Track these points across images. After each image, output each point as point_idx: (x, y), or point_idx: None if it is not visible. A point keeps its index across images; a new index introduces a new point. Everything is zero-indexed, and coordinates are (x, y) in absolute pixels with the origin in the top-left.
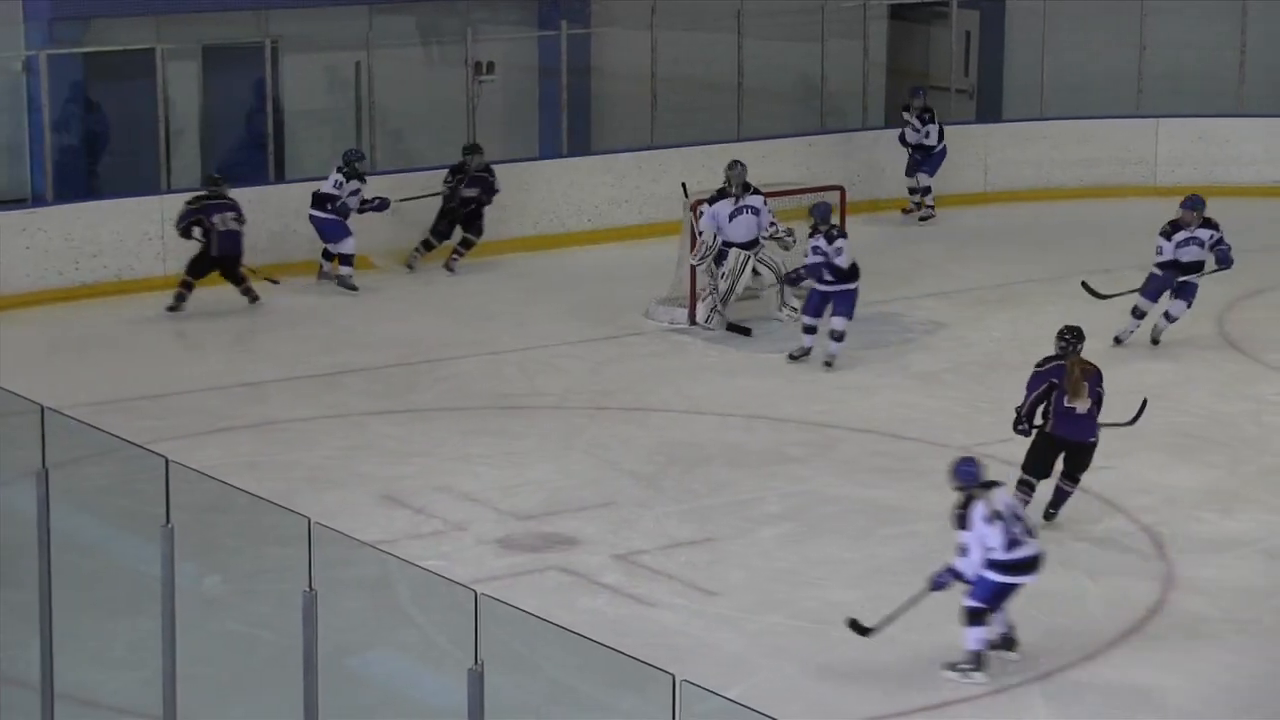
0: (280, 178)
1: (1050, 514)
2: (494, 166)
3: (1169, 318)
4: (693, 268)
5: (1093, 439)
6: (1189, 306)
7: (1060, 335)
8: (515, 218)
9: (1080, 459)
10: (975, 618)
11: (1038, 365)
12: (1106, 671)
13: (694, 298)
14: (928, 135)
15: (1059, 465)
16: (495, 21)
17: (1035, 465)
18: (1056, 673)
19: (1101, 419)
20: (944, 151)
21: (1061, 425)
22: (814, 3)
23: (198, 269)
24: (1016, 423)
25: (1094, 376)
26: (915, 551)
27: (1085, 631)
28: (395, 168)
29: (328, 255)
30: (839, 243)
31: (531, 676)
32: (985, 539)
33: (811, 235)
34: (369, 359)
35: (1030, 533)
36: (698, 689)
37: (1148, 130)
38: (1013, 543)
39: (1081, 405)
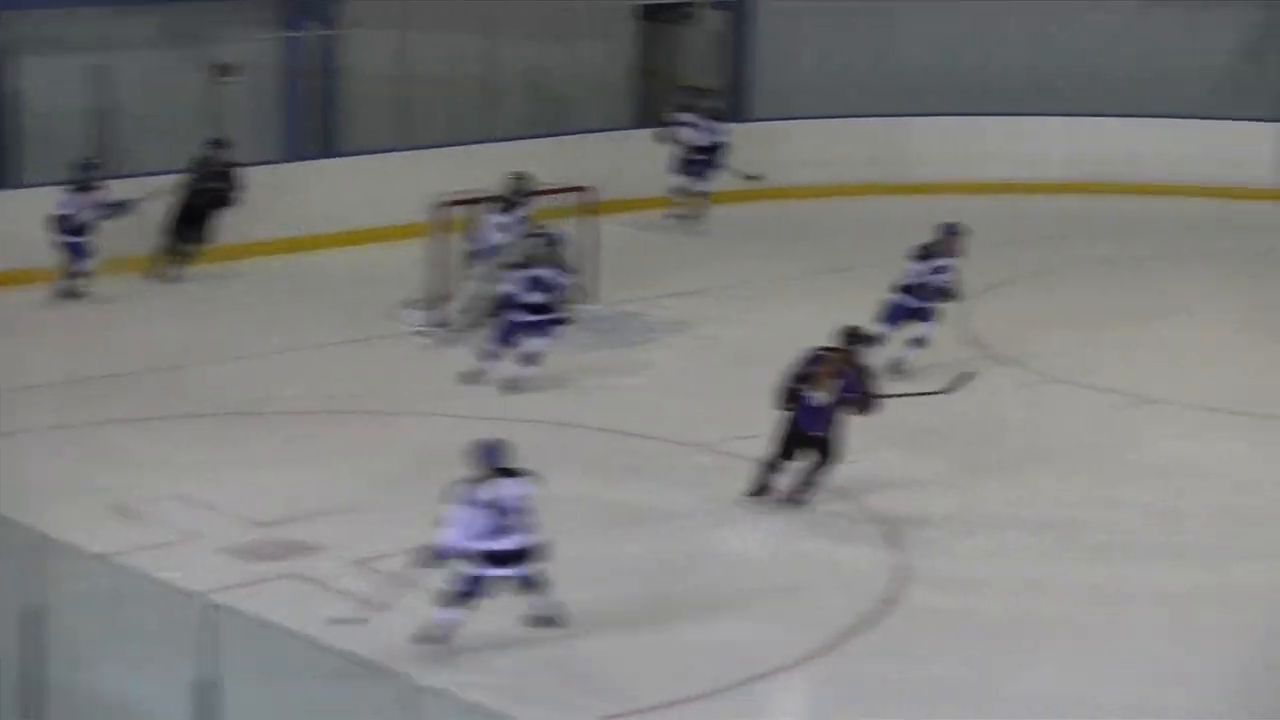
0: (12, 183)
1: (796, 498)
2: (241, 169)
3: (918, 343)
4: (445, 271)
5: (819, 433)
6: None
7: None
8: (263, 221)
9: (811, 448)
10: (447, 600)
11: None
12: (843, 664)
13: (446, 301)
14: (726, 134)
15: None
16: (241, 23)
17: (776, 449)
18: (792, 666)
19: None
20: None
21: (801, 414)
22: (564, 4)
23: None
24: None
25: (850, 375)
26: (657, 550)
27: (821, 624)
28: (136, 171)
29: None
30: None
31: (269, 684)
32: (471, 521)
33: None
34: (109, 367)
35: (527, 528)
36: (436, 692)
37: (897, 128)
38: (499, 531)
39: (819, 398)
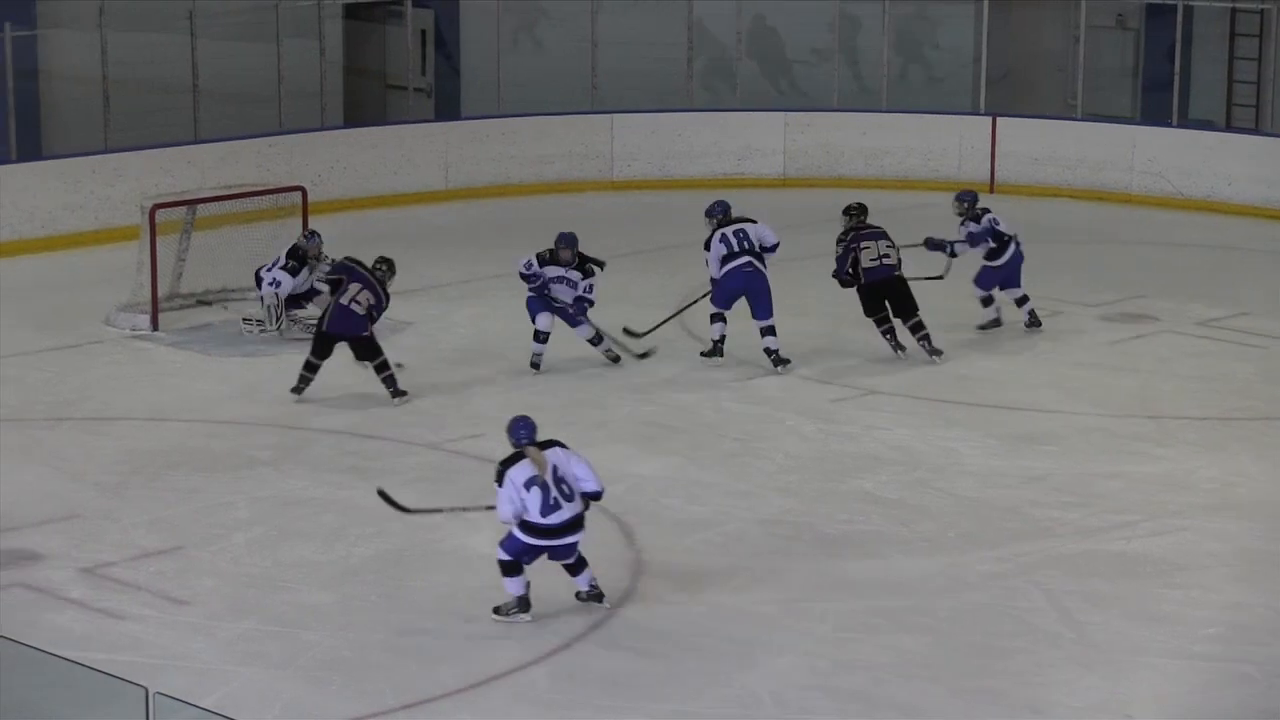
0: None
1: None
2: None
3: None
4: (157, 273)
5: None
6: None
7: (846, 211)
8: None
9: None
10: (508, 569)
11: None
12: (581, 660)
13: (156, 304)
14: None
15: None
16: None
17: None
18: (532, 664)
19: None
20: None
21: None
22: (267, 3)
23: None
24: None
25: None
26: (386, 550)
27: (557, 620)
28: None
29: None
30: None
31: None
32: (520, 500)
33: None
34: None
35: (570, 496)
36: (171, 700)
37: (602, 125)
38: (549, 507)
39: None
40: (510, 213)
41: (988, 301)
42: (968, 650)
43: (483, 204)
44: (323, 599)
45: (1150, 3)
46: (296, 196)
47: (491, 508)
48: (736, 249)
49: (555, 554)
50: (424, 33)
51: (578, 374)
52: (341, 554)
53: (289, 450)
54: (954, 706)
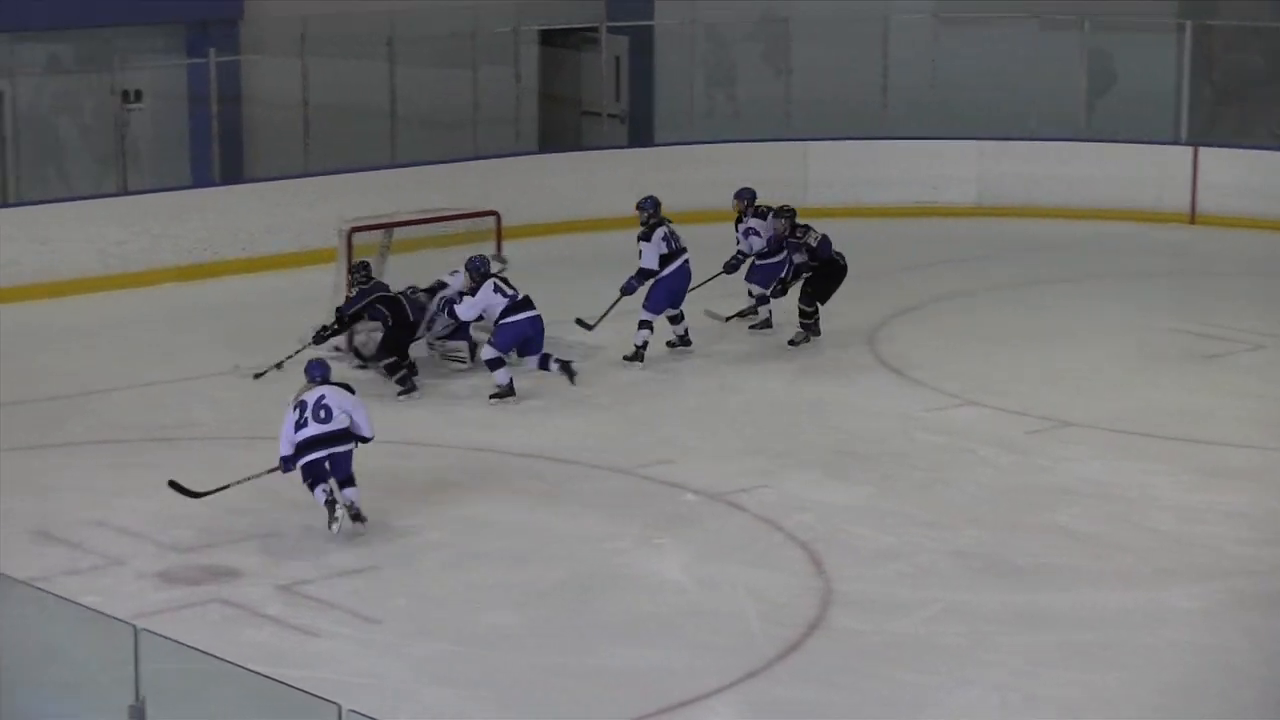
0: None
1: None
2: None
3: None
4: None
5: None
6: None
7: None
8: (168, 247)
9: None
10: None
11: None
12: (769, 689)
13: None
14: None
15: None
16: (143, 49)
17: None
18: (719, 692)
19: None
20: None
21: None
22: (465, 30)
23: None
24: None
25: None
26: (575, 574)
27: (746, 650)
28: (40, 199)
29: None
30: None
31: (195, 711)
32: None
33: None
34: (14, 393)
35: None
36: (363, 718)
37: (796, 152)
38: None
39: None
40: (702, 238)
41: (763, 300)
42: (1163, 689)
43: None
44: (511, 621)
45: None
46: (491, 221)
47: (274, 470)
48: (675, 249)
49: None
50: (618, 59)
51: (769, 403)
52: (530, 576)
53: (481, 472)
54: None
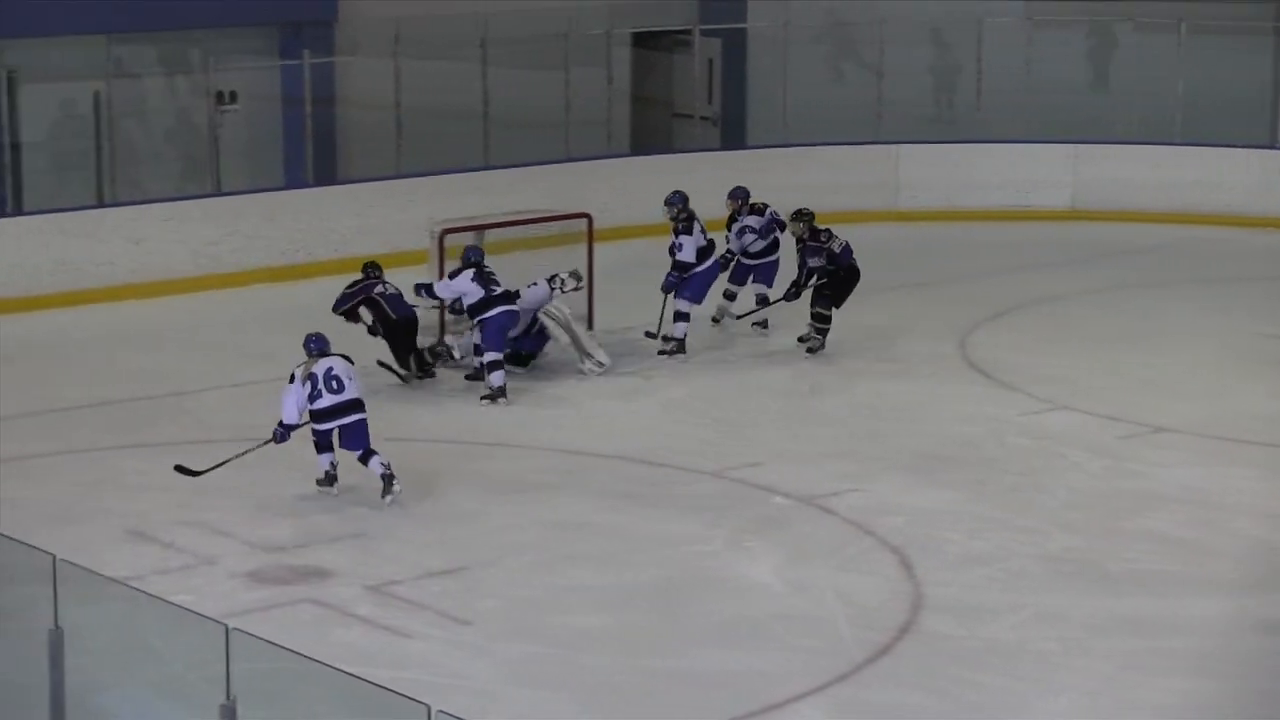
0: (19, 209)
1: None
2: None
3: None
4: None
5: None
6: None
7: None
8: (261, 248)
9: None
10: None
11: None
12: (859, 693)
13: (443, 325)
14: None
15: None
16: (237, 51)
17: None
18: (809, 695)
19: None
20: None
21: None
22: (557, 32)
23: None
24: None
25: None
26: (663, 576)
27: (836, 653)
28: (135, 199)
29: None
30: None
31: (285, 711)
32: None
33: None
34: (107, 393)
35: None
36: (452, 719)
37: (888, 155)
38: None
39: None
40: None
41: (764, 301)
42: (1258, 697)
43: None
44: (599, 623)
45: None
46: (583, 223)
47: (268, 442)
48: (707, 242)
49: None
50: (711, 61)
51: (857, 406)
52: (618, 579)
53: (570, 474)
54: None
